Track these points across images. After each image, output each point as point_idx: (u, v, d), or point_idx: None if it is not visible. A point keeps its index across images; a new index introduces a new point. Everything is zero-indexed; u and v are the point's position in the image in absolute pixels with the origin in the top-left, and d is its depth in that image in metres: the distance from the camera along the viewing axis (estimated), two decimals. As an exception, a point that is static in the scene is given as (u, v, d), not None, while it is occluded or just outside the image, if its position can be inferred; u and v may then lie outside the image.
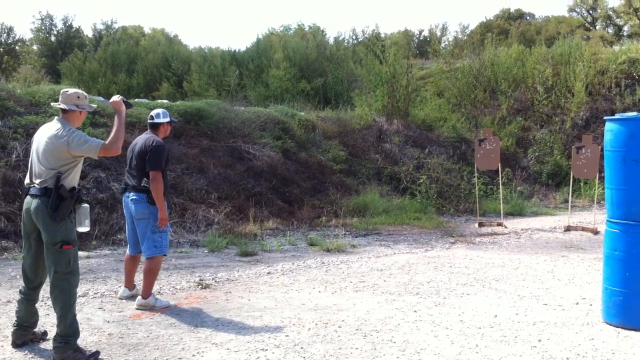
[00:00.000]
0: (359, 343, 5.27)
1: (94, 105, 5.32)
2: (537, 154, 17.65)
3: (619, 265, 5.76)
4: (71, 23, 43.49)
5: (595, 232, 10.94)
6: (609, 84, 19.30)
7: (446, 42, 44.27)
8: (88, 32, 46.39)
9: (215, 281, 7.51)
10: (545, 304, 6.52)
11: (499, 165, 12.42)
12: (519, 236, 11.05)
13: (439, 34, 49.18)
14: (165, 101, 16.18)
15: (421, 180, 14.17)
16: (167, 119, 6.52)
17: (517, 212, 13.86)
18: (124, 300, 6.57)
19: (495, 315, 6.10)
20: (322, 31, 30.34)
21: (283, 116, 15.02)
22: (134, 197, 6.20)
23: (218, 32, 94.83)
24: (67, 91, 5.00)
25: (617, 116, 5.96)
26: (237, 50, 26.24)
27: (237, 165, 12.72)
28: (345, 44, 28.28)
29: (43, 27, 43.36)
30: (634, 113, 6.03)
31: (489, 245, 10.18)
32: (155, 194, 6.09)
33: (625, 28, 45.98)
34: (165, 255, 6.45)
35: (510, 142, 17.88)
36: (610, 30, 46.80)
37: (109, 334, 5.44)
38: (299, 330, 5.61)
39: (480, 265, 8.54)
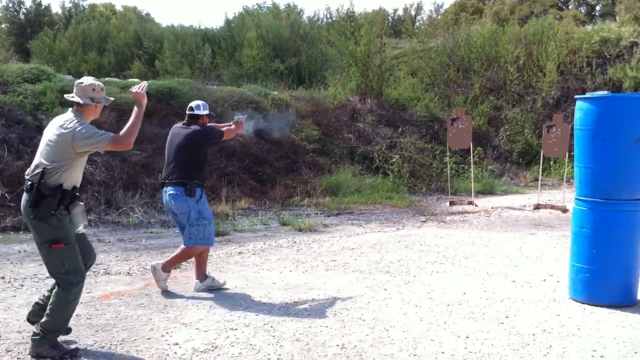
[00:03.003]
0: (328, 321, 5.30)
1: (112, 98, 4.75)
2: (508, 133, 17.80)
3: (586, 243, 5.84)
4: (40, 1, 42.58)
5: (564, 210, 11.09)
6: (581, 64, 19.46)
7: (420, 22, 44.24)
8: (57, 10, 45.55)
9: (186, 261, 7.48)
10: (513, 281, 6.61)
11: (471, 144, 12.50)
12: (489, 214, 11.17)
13: (413, 13, 49.12)
14: (136, 80, 15.97)
15: (394, 160, 14.22)
16: (207, 111, 6.31)
17: (488, 191, 14.00)
18: (96, 281, 6.51)
19: (464, 293, 6.17)
20: (298, 10, 30.09)
21: (256, 95, 14.93)
22: (172, 191, 6.01)
23: (190, 10, 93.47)
24: (81, 82, 4.55)
25: (587, 95, 6.01)
26: (209, 29, 25.98)
27: (209, 145, 12.61)
28: (320, 23, 28.12)
29: (11, 5, 42.41)
30: (604, 92, 6.09)
31: (460, 224, 10.27)
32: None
33: (598, 8, 46.30)
34: (210, 246, 6.30)
35: (483, 122, 18.00)
36: (583, 10, 47.09)
37: (77, 314, 5.37)
38: (269, 309, 5.62)
39: (451, 243, 8.62)
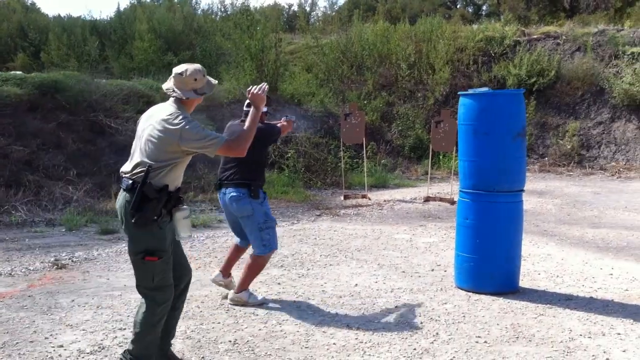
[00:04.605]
0: (221, 317, 5.26)
1: (215, 81, 4.20)
2: (400, 128, 18.22)
3: (470, 233, 6.09)
4: None
5: (452, 202, 11.48)
6: (468, 61, 20.21)
7: (315, 18, 44.53)
8: None
9: (72, 261, 7.20)
10: (403, 272, 6.80)
11: (364, 139, 12.72)
12: (381, 207, 11.41)
13: (308, 9, 49.36)
14: (19, 72, 15.20)
15: (289, 155, 14.24)
16: (265, 109, 5.77)
17: (381, 185, 14.29)
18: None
19: (356, 285, 6.28)
20: (192, 2, 29.58)
21: (148, 89, 14.53)
22: (233, 193, 5.54)
23: (79, 0, 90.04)
24: (180, 74, 3.95)
25: (469, 91, 6.26)
26: (99, 20, 25.10)
27: (98, 140, 12.20)
28: (214, 17, 27.75)
29: None
30: (485, 88, 6.37)
31: (353, 217, 10.44)
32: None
33: (484, 7, 48.26)
34: (275, 250, 5.82)
35: (376, 117, 18.32)
36: (471, 9, 48.94)
37: (-48, 320, 5.09)
38: (160, 308, 5.50)
39: (344, 236, 8.75)
